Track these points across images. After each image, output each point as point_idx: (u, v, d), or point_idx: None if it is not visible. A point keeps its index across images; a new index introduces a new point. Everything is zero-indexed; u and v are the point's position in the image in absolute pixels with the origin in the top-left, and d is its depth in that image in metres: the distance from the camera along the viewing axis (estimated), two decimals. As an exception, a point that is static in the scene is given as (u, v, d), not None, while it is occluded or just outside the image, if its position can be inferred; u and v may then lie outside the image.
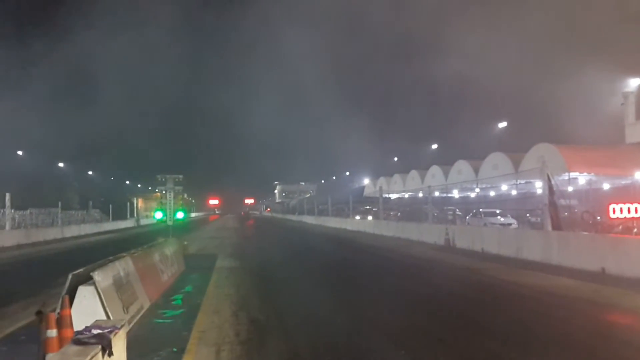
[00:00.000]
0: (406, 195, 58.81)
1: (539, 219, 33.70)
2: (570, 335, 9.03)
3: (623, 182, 33.07)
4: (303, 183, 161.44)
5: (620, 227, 21.89)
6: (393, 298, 12.99)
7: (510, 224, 35.77)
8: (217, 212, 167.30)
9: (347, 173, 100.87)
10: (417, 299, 12.90)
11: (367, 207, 61.65)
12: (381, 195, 45.20)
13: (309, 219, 73.83)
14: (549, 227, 19.77)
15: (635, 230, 20.67)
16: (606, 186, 36.57)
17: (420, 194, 50.77)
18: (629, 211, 17.46)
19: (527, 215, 39.19)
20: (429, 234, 30.19)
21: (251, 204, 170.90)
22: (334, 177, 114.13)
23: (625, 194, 31.59)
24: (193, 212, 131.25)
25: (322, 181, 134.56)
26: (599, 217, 28.83)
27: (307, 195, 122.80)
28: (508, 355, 7.90)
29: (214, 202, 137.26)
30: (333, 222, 58.47)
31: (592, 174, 30.97)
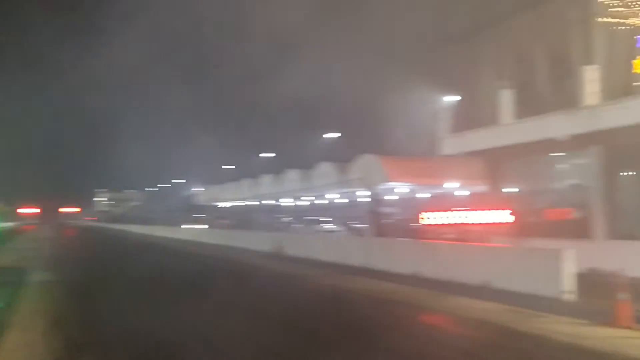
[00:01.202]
0: (238, 204, 58.76)
1: (362, 225, 35.50)
2: (388, 337, 9.49)
3: (436, 191, 35.85)
4: (132, 190, 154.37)
5: (434, 233, 23.64)
6: (219, 307, 12.74)
7: (336, 231, 37.19)
8: (33, 221, 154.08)
9: (179, 181, 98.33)
10: (244, 306, 12.81)
11: (199, 215, 60.81)
12: (213, 204, 44.65)
13: (136, 228, 70.81)
14: (371, 234, 20.80)
15: (446, 235, 22.44)
16: (422, 195, 39.42)
17: (252, 202, 51.03)
18: (441, 218, 18.90)
19: (352, 222, 41.09)
20: (260, 242, 30.35)
21: (72, 212, 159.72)
22: (166, 185, 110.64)
23: (438, 202, 34.30)
24: (5, 221, 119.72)
25: (154, 188, 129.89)
26: (414, 224, 31.01)
27: (136, 204, 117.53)
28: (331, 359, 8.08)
29: (29, 210, 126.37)
30: (162, 231, 56.65)
31: (410, 183, 33.16)
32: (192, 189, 75.19)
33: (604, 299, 11.49)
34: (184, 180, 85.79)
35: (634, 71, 17.73)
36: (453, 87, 28.44)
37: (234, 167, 78.56)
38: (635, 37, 17.76)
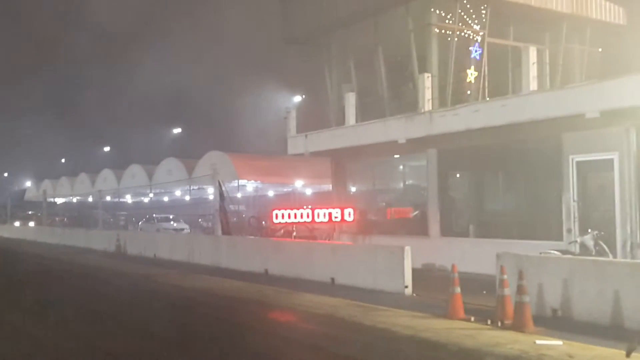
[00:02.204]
0: (74, 200, 55.32)
1: (210, 223, 35.08)
2: (236, 335, 9.45)
3: (285, 189, 36.42)
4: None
5: (282, 231, 23.91)
6: (55, 312, 11.89)
7: (183, 229, 36.36)
8: None
9: (5, 174, 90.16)
10: (84, 310, 12.09)
11: (30, 212, 56.61)
12: (45, 199, 41.68)
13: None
14: (219, 232, 20.59)
15: (294, 234, 22.80)
16: (271, 193, 39.83)
17: (91, 199, 48.37)
18: (289, 216, 19.08)
19: (200, 220, 40.43)
20: (99, 240, 28.84)
21: None
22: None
23: (286, 200, 34.86)
24: None
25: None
26: (263, 222, 31.23)
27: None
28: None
29: None
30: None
31: (259, 181, 33.37)
32: (23, 183, 69.45)
33: (439, 292, 12.42)
34: (14, 174, 78.84)
35: (467, 80, 19.26)
36: (301, 88, 29.10)
37: (63, 160, 73.82)
38: (469, 48, 19.28)
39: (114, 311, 12.06)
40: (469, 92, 19.25)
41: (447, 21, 18.96)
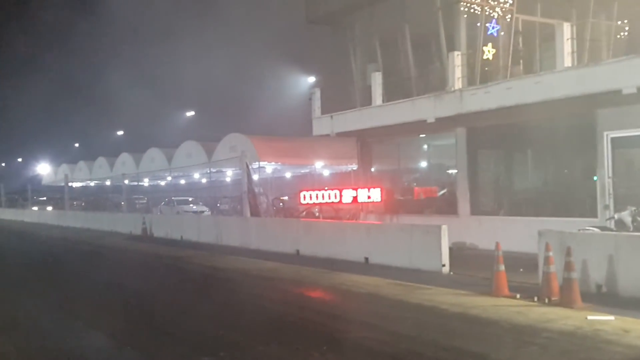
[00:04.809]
0: (92, 184, 55.67)
1: (227, 206, 35.33)
2: (286, 315, 9.57)
3: (302, 170, 36.47)
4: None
5: (305, 212, 24.03)
6: (96, 293, 12.08)
7: (203, 212, 36.61)
8: None
9: (19, 159, 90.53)
10: (124, 292, 12.25)
11: (47, 197, 57.33)
12: (67, 184, 41.95)
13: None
14: (248, 214, 20.71)
15: (317, 214, 22.91)
16: (288, 174, 39.89)
17: (109, 182, 48.70)
18: (317, 197, 19.17)
19: (218, 204, 40.63)
20: (124, 223, 29.10)
21: None
22: (3, 164, 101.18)
23: (304, 181, 34.92)
24: None
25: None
26: (281, 204, 31.36)
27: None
28: (231, 339, 7.97)
29: None
30: (7, 214, 52.66)
31: (279, 163, 33.38)
32: (39, 168, 69.93)
33: (475, 270, 12.54)
34: (29, 160, 79.39)
35: (484, 57, 19.05)
36: (322, 70, 28.95)
37: (77, 145, 74.31)
38: (486, 25, 19.03)
39: (153, 291, 12.20)
40: (486, 68, 19.02)
41: (474, -1, 18.71)
